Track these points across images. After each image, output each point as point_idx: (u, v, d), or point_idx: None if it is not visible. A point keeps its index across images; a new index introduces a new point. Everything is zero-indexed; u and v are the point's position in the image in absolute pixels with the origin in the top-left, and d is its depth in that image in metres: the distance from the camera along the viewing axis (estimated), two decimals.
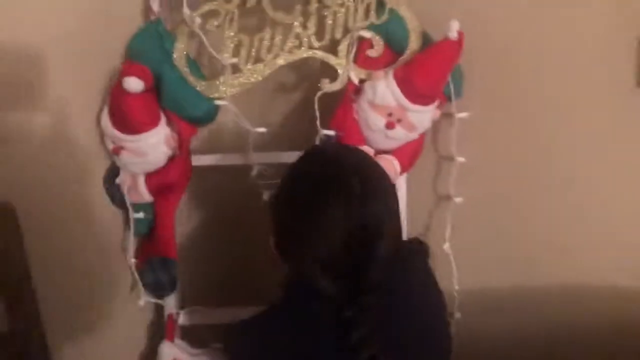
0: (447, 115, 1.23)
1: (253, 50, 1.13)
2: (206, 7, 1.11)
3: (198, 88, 1.14)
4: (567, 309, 1.45)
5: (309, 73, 1.27)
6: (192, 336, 1.28)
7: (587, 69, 1.29)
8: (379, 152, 1.19)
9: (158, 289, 1.24)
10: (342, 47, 1.15)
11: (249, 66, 1.14)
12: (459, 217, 1.30)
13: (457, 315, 1.33)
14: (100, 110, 1.22)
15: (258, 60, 1.14)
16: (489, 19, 1.24)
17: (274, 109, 1.30)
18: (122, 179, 1.20)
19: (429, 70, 1.10)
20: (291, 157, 1.21)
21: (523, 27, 1.27)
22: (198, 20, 1.10)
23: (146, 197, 1.20)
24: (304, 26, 1.14)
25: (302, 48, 1.14)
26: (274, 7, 1.12)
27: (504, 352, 1.45)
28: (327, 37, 1.14)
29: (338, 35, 1.14)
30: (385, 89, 1.12)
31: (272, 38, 1.13)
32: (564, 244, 1.40)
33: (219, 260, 1.37)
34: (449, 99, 1.19)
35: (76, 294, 1.35)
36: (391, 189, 0.90)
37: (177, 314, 1.28)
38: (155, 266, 1.22)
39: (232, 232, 1.34)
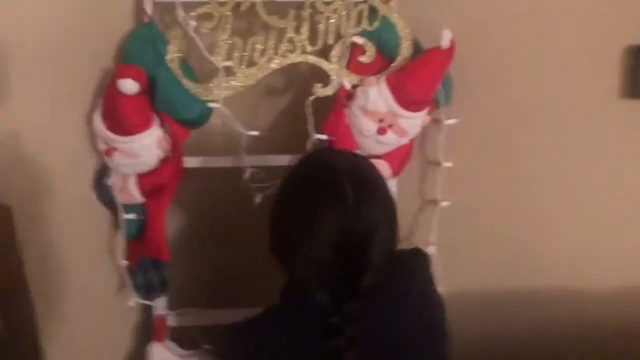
0: (435, 121, 1.25)
1: (246, 53, 1.14)
2: (200, 10, 1.12)
3: (191, 90, 1.14)
4: (553, 311, 1.49)
5: (300, 77, 1.28)
6: (182, 338, 1.28)
7: (573, 77, 1.34)
8: (370, 156, 1.20)
9: (149, 291, 1.24)
10: (335, 53, 1.16)
11: (243, 69, 1.15)
12: (445, 221, 1.33)
13: None
14: (91, 110, 1.22)
15: (251, 63, 1.15)
16: (477, 28, 1.28)
17: (265, 112, 1.31)
18: (113, 180, 1.20)
19: (421, 77, 1.12)
20: (283, 160, 1.23)
21: (511, 37, 1.30)
22: (193, 23, 1.10)
23: (137, 198, 1.20)
24: (297, 31, 1.15)
25: (296, 52, 1.16)
26: (267, 11, 1.13)
27: (489, 354, 1.48)
28: (320, 42, 1.16)
29: (330, 41, 1.16)
30: (377, 95, 1.14)
31: (266, 42, 1.14)
32: (548, 248, 1.45)
33: (209, 262, 1.37)
34: (438, 105, 1.22)
35: (66, 296, 1.35)
36: (387, 194, 0.90)
37: (167, 315, 1.28)
38: (147, 267, 1.22)
39: (222, 234, 1.35)
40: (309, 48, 1.16)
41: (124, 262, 1.23)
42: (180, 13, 1.10)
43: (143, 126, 1.12)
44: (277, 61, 1.16)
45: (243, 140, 1.19)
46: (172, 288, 1.28)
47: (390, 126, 1.16)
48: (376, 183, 0.90)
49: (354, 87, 1.18)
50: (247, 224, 1.29)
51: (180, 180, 1.22)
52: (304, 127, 1.17)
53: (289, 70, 1.23)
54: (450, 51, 1.12)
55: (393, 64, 1.18)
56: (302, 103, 1.18)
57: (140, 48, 1.13)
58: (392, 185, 1.27)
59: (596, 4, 1.30)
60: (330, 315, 0.84)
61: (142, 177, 1.19)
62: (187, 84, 1.14)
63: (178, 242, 1.32)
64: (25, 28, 1.20)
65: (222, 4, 1.12)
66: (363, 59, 1.17)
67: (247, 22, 1.21)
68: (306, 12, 1.14)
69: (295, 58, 1.16)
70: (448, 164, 1.28)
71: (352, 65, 1.17)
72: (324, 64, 1.17)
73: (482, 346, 1.43)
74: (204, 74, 1.20)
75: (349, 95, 1.18)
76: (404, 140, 1.20)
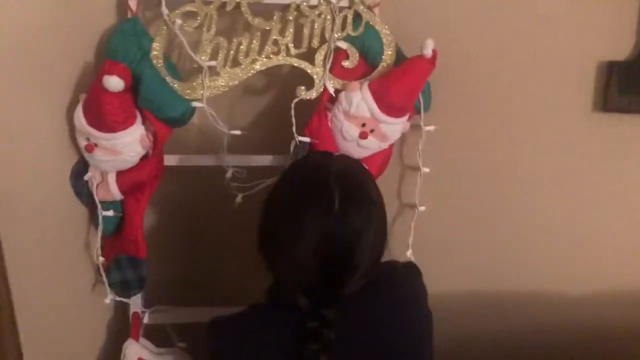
0: (413, 127, 1.27)
1: (231, 53, 1.14)
2: (185, 8, 1.11)
3: (176, 88, 1.13)
4: (529, 314, 1.53)
5: (283, 78, 1.29)
6: (157, 335, 1.28)
7: (549, 91, 1.38)
8: None
9: (125, 288, 1.23)
10: (319, 56, 1.17)
11: (226, 69, 1.15)
12: (422, 225, 1.35)
13: None
14: (70, 105, 1.21)
15: (235, 64, 1.15)
16: (456, 38, 1.31)
17: (247, 112, 1.32)
18: (92, 176, 1.18)
19: (404, 84, 1.14)
20: (264, 160, 1.24)
21: (488, 47, 1.33)
22: (178, 22, 1.10)
23: (117, 195, 1.19)
24: (282, 33, 1.15)
25: (280, 54, 1.16)
26: (252, 12, 1.13)
27: (465, 358, 1.51)
28: (305, 45, 1.17)
29: (315, 44, 1.17)
30: (360, 101, 1.15)
31: (250, 43, 1.14)
32: (524, 252, 1.49)
33: (184, 260, 1.37)
34: (417, 112, 1.24)
35: (42, 292, 1.33)
36: (377, 202, 0.90)
37: (143, 312, 1.27)
38: (123, 265, 1.21)
39: (199, 232, 1.35)
40: (294, 51, 1.16)
41: (100, 259, 1.22)
42: (164, 10, 1.10)
43: (126, 123, 1.10)
44: (261, 62, 1.16)
45: (225, 140, 1.20)
46: (147, 286, 1.27)
47: (372, 131, 1.18)
48: (366, 190, 0.89)
49: (337, 91, 1.19)
50: (226, 224, 1.30)
51: (160, 179, 1.21)
52: (286, 128, 1.18)
53: (273, 71, 1.24)
54: (432, 60, 1.14)
55: (376, 70, 1.19)
56: (284, 104, 1.18)
57: (124, 44, 1.12)
58: None
59: (571, 21, 1.34)
60: (309, 319, 0.85)
61: (121, 174, 1.18)
62: (171, 82, 1.13)
63: (154, 239, 1.31)
64: (4, 22, 1.17)
65: (207, 3, 1.12)
66: (346, 64, 1.18)
67: (232, 22, 1.21)
68: (291, 15, 1.15)
69: (280, 60, 1.17)
70: (426, 169, 1.30)
71: (336, 70, 1.18)
72: (309, 67, 1.18)
73: (455, 349, 1.46)
74: (186, 72, 1.20)
75: (332, 99, 1.20)
76: (385, 145, 1.22)
